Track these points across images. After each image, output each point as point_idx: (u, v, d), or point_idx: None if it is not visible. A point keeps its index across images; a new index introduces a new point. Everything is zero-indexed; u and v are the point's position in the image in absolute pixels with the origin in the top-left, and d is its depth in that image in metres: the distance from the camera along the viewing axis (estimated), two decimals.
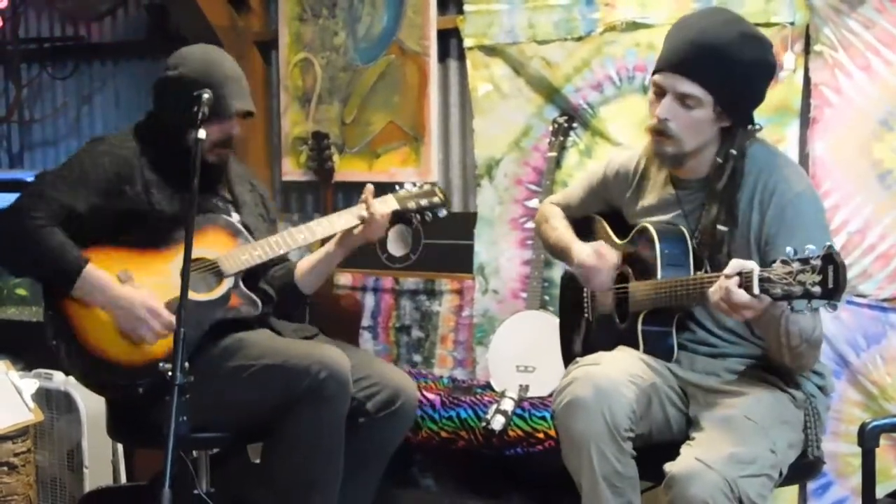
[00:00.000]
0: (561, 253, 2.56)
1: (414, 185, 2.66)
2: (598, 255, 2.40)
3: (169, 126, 2.52)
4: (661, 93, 2.20)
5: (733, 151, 2.20)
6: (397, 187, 2.65)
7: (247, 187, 2.73)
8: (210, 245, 2.50)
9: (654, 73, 2.23)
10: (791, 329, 2.03)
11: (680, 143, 2.21)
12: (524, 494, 3.23)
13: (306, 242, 2.57)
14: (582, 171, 3.26)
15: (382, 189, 2.64)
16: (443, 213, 2.65)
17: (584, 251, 2.45)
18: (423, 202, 2.62)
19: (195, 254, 2.43)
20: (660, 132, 2.21)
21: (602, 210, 2.54)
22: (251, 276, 2.57)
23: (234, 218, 2.61)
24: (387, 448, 2.56)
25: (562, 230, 2.57)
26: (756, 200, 2.19)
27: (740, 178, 2.20)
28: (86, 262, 2.40)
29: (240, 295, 2.51)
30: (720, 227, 2.20)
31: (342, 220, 2.56)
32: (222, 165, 2.61)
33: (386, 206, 2.56)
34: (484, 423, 2.97)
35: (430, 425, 3.05)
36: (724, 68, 2.15)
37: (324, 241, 2.66)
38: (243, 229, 2.56)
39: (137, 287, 2.42)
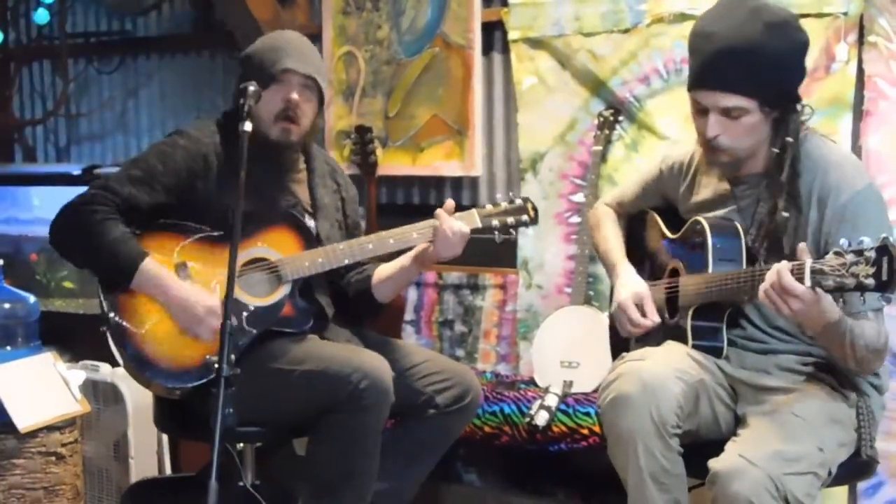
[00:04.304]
0: (607, 267, 2.53)
1: (508, 198, 2.53)
2: (639, 308, 2.34)
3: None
4: (702, 109, 2.15)
5: (789, 139, 2.15)
6: (487, 203, 2.54)
7: (330, 187, 2.67)
8: (274, 245, 2.47)
9: (689, 89, 2.17)
10: (857, 343, 2.00)
11: (734, 152, 2.18)
12: (568, 491, 3.21)
13: (374, 254, 2.49)
14: (628, 165, 3.23)
15: (432, 184, 2.56)
16: (530, 230, 2.56)
17: (626, 290, 2.37)
18: (510, 220, 2.50)
19: (259, 252, 2.45)
20: (712, 148, 2.17)
21: (657, 205, 2.51)
22: (309, 285, 2.53)
23: (310, 225, 2.56)
24: (449, 439, 2.59)
25: (612, 241, 2.53)
26: (815, 198, 2.14)
27: (799, 165, 2.15)
28: (144, 256, 2.39)
29: (294, 305, 2.48)
30: (783, 214, 2.15)
31: (415, 234, 2.46)
32: (290, 144, 2.53)
33: (466, 222, 2.46)
34: (528, 419, 2.95)
35: (474, 420, 3.01)
36: (761, 69, 2.08)
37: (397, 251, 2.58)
38: (311, 230, 2.52)
39: (195, 283, 2.42)
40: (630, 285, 2.38)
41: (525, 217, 2.52)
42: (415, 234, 2.47)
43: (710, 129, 2.13)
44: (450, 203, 2.48)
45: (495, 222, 2.50)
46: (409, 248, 2.52)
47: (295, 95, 2.49)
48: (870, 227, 2.05)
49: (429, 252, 2.47)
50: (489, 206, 2.52)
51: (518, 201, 2.53)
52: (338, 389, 2.31)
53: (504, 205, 2.52)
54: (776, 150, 2.16)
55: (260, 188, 2.46)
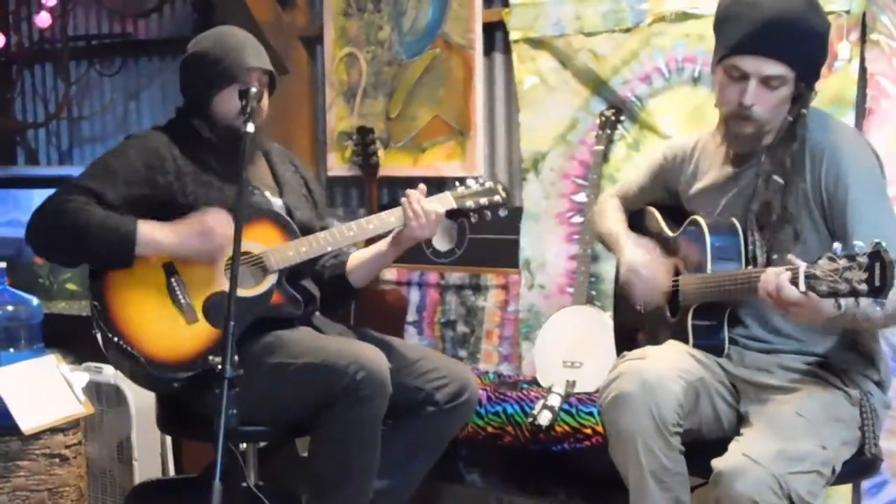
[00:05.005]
0: (611, 243, 2.54)
1: (476, 181, 2.60)
2: (650, 268, 2.39)
3: (194, 107, 2.59)
4: (741, 76, 2.16)
5: (805, 111, 2.18)
6: (457, 184, 2.60)
7: (289, 168, 2.75)
8: (257, 238, 2.50)
9: (728, 55, 2.17)
10: (873, 317, 2.00)
11: (762, 124, 2.19)
12: (571, 491, 3.21)
13: (355, 240, 2.56)
14: (630, 164, 3.23)
15: (434, 184, 2.61)
16: (503, 212, 2.60)
17: (636, 254, 2.42)
18: (483, 200, 2.55)
19: (242, 247, 2.45)
20: (744, 117, 2.18)
21: (660, 198, 2.51)
22: (295, 274, 2.57)
23: (277, 203, 2.61)
24: (446, 437, 2.60)
25: (614, 221, 2.55)
26: (807, 158, 2.16)
27: (805, 132, 2.18)
28: (135, 222, 2.42)
29: (283, 293, 2.51)
30: (776, 178, 2.16)
31: (393, 218, 2.52)
32: (255, 134, 2.57)
33: (440, 204, 2.52)
34: (530, 419, 2.95)
35: (477, 420, 3.04)
36: (804, 42, 2.13)
37: (374, 238, 2.65)
38: (292, 222, 2.56)
39: (188, 221, 2.45)
40: (638, 254, 2.42)
41: (497, 198, 2.57)
42: (393, 218, 2.52)
43: (748, 96, 2.14)
44: (422, 187, 2.54)
45: (469, 203, 2.55)
46: (389, 233, 2.57)
47: (258, 90, 2.53)
48: (866, 180, 2.12)
49: (403, 233, 2.52)
50: (461, 189, 2.58)
51: (488, 184, 2.59)
52: (335, 382, 2.32)
53: (475, 187, 2.58)
54: (790, 119, 2.18)
55: (230, 179, 2.53)
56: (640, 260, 2.42)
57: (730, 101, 2.20)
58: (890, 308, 1.98)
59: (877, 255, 1.76)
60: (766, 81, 2.14)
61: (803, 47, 2.13)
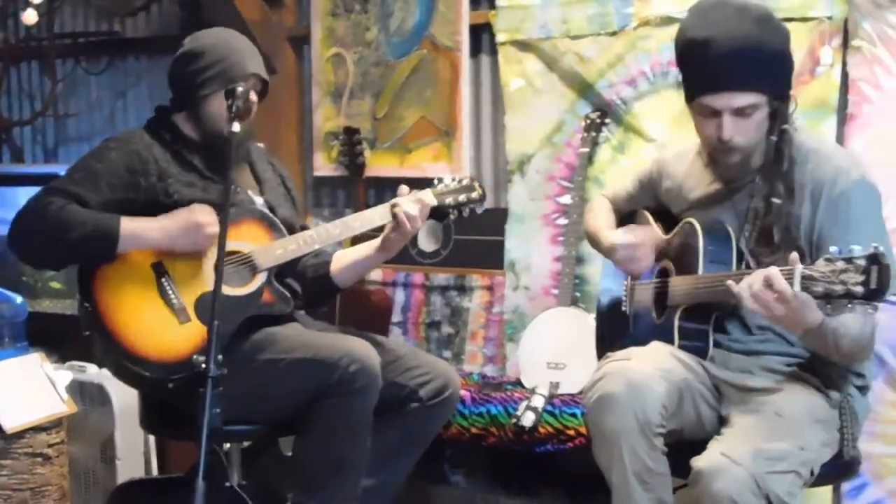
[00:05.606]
0: (593, 239, 2.55)
1: (453, 179, 2.61)
2: (632, 235, 2.40)
3: (181, 104, 2.58)
4: (713, 113, 2.16)
5: (786, 127, 2.18)
6: (435, 181, 2.61)
7: (268, 167, 2.76)
8: (245, 238, 2.51)
9: (695, 96, 2.18)
10: (841, 342, 2.02)
11: (746, 149, 2.19)
12: (554, 491, 3.22)
13: (342, 237, 2.57)
14: (615, 166, 3.24)
15: (420, 185, 2.61)
16: (481, 209, 2.62)
17: (616, 233, 2.44)
18: (461, 198, 2.58)
19: (230, 247, 2.45)
20: (727, 150, 2.19)
21: (650, 205, 2.52)
22: (281, 272, 2.58)
23: (259, 201, 2.62)
24: (430, 433, 2.61)
25: (598, 219, 2.56)
26: (808, 190, 2.16)
27: (793, 152, 2.17)
28: (118, 218, 2.41)
29: (273, 291, 2.52)
30: (775, 201, 2.16)
31: (377, 216, 2.53)
32: (242, 137, 2.57)
33: (424, 199, 2.53)
34: (514, 420, 2.96)
35: (461, 421, 3.05)
36: (767, 66, 2.13)
37: (357, 237, 2.66)
38: (278, 222, 2.56)
39: (174, 215, 2.45)
40: (614, 236, 2.44)
41: (474, 195, 2.59)
42: (377, 216, 2.54)
43: (725, 131, 2.15)
44: (404, 188, 2.55)
45: (449, 200, 2.57)
46: (374, 231, 2.58)
47: (255, 97, 2.56)
48: (862, 222, 2.09)
49: (391, 238, 2.54)
50: (441, 185, 2.60)
51: (465, 180, 2.62)
52: (328, 375, 2.34)
53: (454, 184, 2.60)
54: (774, 139, 2.18)
55: (212, 178, 2.54)
56: (618, 241, 2.42)
57: (709, 137, 2.20)
58: (854, 334, 2.02)
59: (874, 258, 1.76)
60: (740, 112, 2.14)
61: (767, 70, 2.13)
